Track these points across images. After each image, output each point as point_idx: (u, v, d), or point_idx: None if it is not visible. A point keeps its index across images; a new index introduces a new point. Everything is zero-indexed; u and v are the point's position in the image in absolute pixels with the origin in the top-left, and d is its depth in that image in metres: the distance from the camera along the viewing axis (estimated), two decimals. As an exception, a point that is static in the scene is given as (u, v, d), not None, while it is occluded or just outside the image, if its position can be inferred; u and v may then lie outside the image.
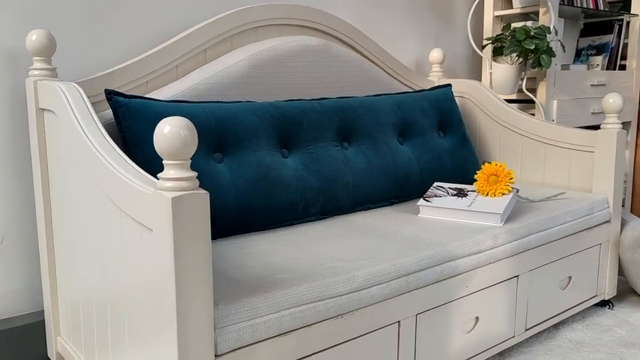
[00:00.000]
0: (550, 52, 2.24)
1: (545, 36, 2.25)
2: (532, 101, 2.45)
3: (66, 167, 1.33)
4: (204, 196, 0.94)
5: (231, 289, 1.08)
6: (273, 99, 1.78)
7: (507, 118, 2.17)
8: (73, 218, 1.33)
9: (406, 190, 1.83)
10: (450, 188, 1.74)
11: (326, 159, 1.66)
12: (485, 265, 1.48)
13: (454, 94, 2.32)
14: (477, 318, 1.51)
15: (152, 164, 1.39)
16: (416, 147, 1.91)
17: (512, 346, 1.69)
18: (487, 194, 1.66)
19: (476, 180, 1.84)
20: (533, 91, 2.50)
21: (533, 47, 2.21)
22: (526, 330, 1.66)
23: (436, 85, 2.27)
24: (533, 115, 2.47)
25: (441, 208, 1.64)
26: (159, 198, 0.93)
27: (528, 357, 1.64)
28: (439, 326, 1.40)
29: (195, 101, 1.54)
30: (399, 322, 1.31)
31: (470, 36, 2.39)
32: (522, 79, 2.41)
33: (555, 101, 2.48)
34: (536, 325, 1.69)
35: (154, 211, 0.95)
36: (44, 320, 1.57)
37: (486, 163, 1.70)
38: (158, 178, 0.94)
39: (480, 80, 2.59)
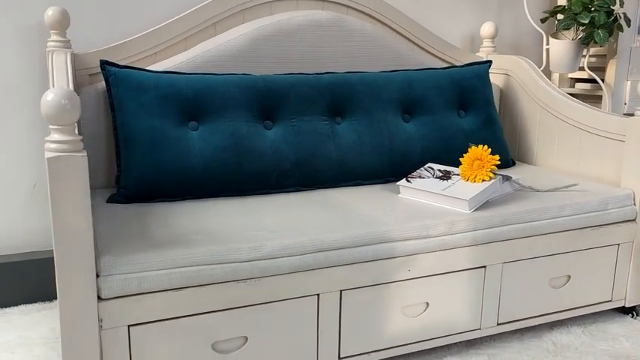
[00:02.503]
0: (609, 27, 1.99)
1: (609, 7, 2.01)
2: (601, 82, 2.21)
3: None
4: (80, 158, 1.07)
5: (130, 244, 1.21)
6: (276, 73, 1.84)
7: (547, 100, 1.99)
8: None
9: (404, 169, 1.80)
10: (439, 170, 1.68)
11: (308, 133, 1.70)
12: (436, 250, 1.44)
13: (498, 72, 2.18)
14: (427, 304, 1.47)
15: (126, 127, 1.55)
16: (422, 126, 1.85)
17: (482, 339, 1.62)
18: (468, 179, 1.58)
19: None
20: (602, 70, 2.24)
21: (587, 21, 1.99)
22: (498, 324, 1.58)
23: (480, 61, 2.15)
24: (600, 98, 2.23)
25: (419, 190, 1.60)
26: (46, 157, 1.08)
27: (494, 352, 1.56)
28: (370, 306, 1.40)
29: (185, 72, 1.66)
30: (317, 295, 1.34)
31: (526, 8, 2.21)
32: (584, 56, 2.18)
33: (629, 82, 2.21)
34: (513, 322, 1.59)
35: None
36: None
37: (472, 147, 1.62)
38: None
39: (542, 57, 2.37)
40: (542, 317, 1.64)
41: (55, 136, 1.07)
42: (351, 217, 1.44)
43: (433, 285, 1.47)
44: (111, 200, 1.52)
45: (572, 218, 1.60)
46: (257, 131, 1.65)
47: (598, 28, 1.99)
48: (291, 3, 1.93)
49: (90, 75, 1.71)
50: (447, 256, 1.46)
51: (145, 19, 1.87)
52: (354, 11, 2.02)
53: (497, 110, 2.20)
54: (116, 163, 1.60)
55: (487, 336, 1.62)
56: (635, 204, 1.69)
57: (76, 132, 1.10)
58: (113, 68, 1.60)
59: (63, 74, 1.48)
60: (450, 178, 1.62)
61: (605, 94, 2.20)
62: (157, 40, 1.78)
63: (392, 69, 2.00)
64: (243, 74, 1.71)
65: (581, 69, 2.23)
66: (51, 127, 1.08)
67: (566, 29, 2.06)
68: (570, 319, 1.73)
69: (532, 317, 1.62)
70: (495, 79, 2.22)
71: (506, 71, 2.17)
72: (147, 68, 1.71)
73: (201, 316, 1.24)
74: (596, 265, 1.68)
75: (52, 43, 1.67)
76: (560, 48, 2.16)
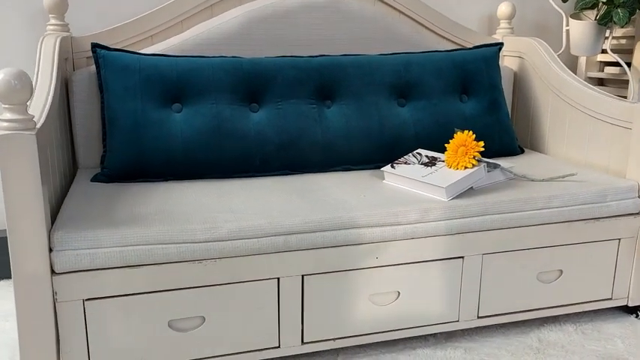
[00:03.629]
0: (631, 6, 1.85)
1: (632, -15, 1.86)
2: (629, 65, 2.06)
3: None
4: (29, 136, 1.10)
5: (87, 221, 1.24)
6: (267, 56, 1.83)
7: (558, 84, 1.88)
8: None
9: (396, 154, 1.75)
10: (426, 156, 1.63)
11: (294, 116, 1.68)
12: (406, 239, 1.39)
13: (513, 55, 2.08)
14: (398, 293, 1.44)
15: (111, 109, 1.58)
16: (418, 110, 1.80)
17: (463, 331, 1.56)
18: (451, 166, 1.52)
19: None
20: (629, 52, 2.09)
21: (605, 0, 1.86)
22: (479, 318, 1.51)
23: (490, 43, 2.05)
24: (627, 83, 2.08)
25: (401, 177, 1.56)
26: (-1, 135, 1.12)
27: (472, 345, 1.50)
28: (335, 292, 1.38)
29: (173, 55, 1.68)
30: (278, 279, 1.34)
31: (544, -13, 2.08)
32: (607, 38, 2.04)
33: (658, 66, 2.05)
34: (495, 315, 1.53)
35: None
36: None
37: (458, 132, 1.55)
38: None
39: (562, 40, 2.23)
40: (529, 312, 1.56)
41: (7, 115, 1.11)
42: (321, 201, 1.42)
43: (404, 274, 1.43)
44: (94, 179, 1.57)
45: (563, 210, 1.51)
46: (241, 114, 1.65)
47: (617, 7, 1.85)
48: (290, -15, 1.91)
49: (87, 57, 1.76)
50: (419, 244, 1.41)
51: (146, 1, 1.90)
52: (358, -8, 1.98)
53: (512, 95, 2.10)
54: (102, 144, 1.65)
55: (469, 329, 1.57)
56: (639, 196, 1.58)
57: (27, 111, 1.14)
58: (103, 51, 1.64)
59: (49, 58, 1.53)
60: (434, 164, 1.57)
61: (631, 78, 2.05)
62: (154, 23, 1.81)
63: (398, 51, 1.94)
64: (232, 57, 1.71)
65: (605, 51, 2.08)
66: (3, 106, 1.12)
67: (585, 8, 1.93)
68: (564, 316, 1.64)
69: (518, 312, 1.55)
70: (510, 62, 2.11)
71: (520, 54, 2.06)
72: (139, 51, 1.74)
73: (157, 294, 1.26)
74: (593, 261, 1.58)
75: (51, 27, 1.73)
76: (580, 29, 2.03)
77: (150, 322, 1.27)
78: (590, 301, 1.61)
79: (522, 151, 1.95)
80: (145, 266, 1.24)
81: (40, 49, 1.56)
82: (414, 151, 1.67)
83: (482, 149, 1.51)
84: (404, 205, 1.40)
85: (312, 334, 1.40)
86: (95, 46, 1.64)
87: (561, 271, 1.56)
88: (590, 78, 2.30)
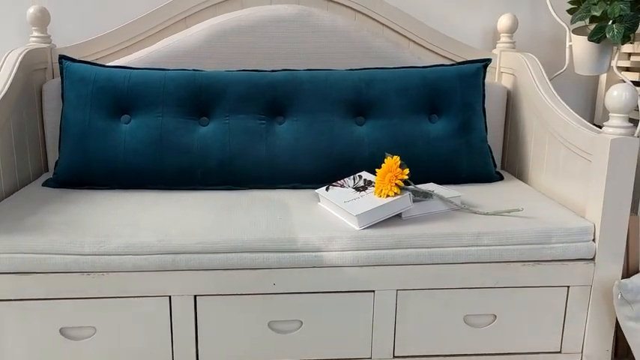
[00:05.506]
0: (630, 21, 1.63)
1: (635, -2, 1.64)
2: None
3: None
4: None
5: (-11, 227, 1.32)
6: (236, 69, 1.83)
7: (541, 107, 1.70)
8: (12, 154, 1.72)
9: (347, 174, 1.67)
10: (364, 180, 1.55)
11: (239, 131, 1.66)
12: (307, 267, 1.33)
13: (508, 72, 1.92)
14: (301, 322, 1.38)
15: (65, 118, 1.66)
16: (376, 130, 1.70)
17: (379, 370, 1.46)
18: (376, 193, 1.43)
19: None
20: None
21: (599, 14, 1.65)
22: (395, 357, 1.41)
23: (477, 59, 1.89)
24: None
25: (329, 201, 1.49)
26: None
27: (382, 387, 1.40)
28: (231, 315, 1.35)
29: (132, 67, 1.73)
30: (169, 297, 1.33)
31: (547, -3, 1.89)
32: (614, 55, 1.81)
33: (678, 88, 1.79)
34: (415, 357, 1.42)
35: None
36: None
37: (388, 157, 1.45)
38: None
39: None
40: (456, 357, 1.43)
41: None
42: (231, 222, 1.39)
43: (307, 303, 1.36)
44: (45, 184, 1.66)
45: (495, 249, 1.36)
46: (187, 127, 1.66)
47: (613, 22, 1.64)
48: (264, -3, 1.89)
49: (65, 67, 1.86)
50: (322, 274, 1.34)
51: (129, 13, 1.96)
52: (334, 4, 1.92)
53: (504, 116, 1.93)
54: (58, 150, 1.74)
55: (387, 367, 1.47)
56: (594, 240, 1.39)
57: None
58: (67, 62, 1.72)
59: (7, 70, 1.63)
60: (366, 189, 1.49)
61: (643, 101, 1.80)
62: (129, 35, 1.88)
63: (371, 66, 1.86)
64: (188, 70, 1.73)
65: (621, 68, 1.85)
66: None
67: (581, 20, 1.73)
68: (504, 365, 1.48)
69: (441, 355, 1.42)
70: (505, 80, 1.95)
71: (513, 71, 1.89)
72: (109, 63, 1.81)
73: (48, 301, 1.31)
74: (536, 308, 1.41)
75: (33, 39, 1.85)
76: (582, 45, 1.82)
77: (42, 327, 1.32)
78: (533, 353, 1.44)
79: (501, 178, 1.79)
80: (34, 274, 1.29)
81: (3, 62, 1.67)
82: (358, 174, 1.60)
83: (407, 177, 1.40)
84: (309, 231, 1.34)
85: (208, 356, 1.38)
86: (62, 58, 1.74)
87: (495, 316, 1.41)
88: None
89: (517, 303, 1.41)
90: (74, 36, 1.96)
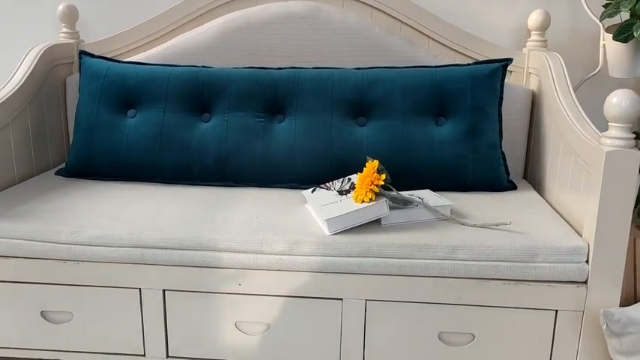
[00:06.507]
0: (663, 18, 1.45)
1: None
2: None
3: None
4: None
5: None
6: (244, 66, 1.83)
7: (556, 113, 1.56)
8: (34, 143, 1.83)
9: (345, 175, 1.63)
10: (352, 183, 1.50)
11: (236, 128, 1.66)
12: (272, 269, 1.31)
13: (534, 72, 1.78)
14: (268, 325, 1.36)
15: (77, 111, 1.74)
16: (377, 131, 1.64)
17: (350, 381, 1.41)
18: (354, 198, 1.38)
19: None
20: (688, 76, 1.65)
21: (628, 8, 1.49)
22: (364, 369, 1.36)
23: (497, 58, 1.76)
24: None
25: (311, 203, 1.46)
26: None
27: (348, 399, 1.35)
28: (200, 312, 1.36)
29: (145, 63, 1.78)
30: (139, 289, 1.36)
31: (581, -7, 1.73)
32: (652, 57, 1.62)
33: None
34: (385, 371, 1.36)
35: None
36: None
37: (369, 161, 1.39)
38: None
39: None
40: (430, 375, 1.35)
41: None
42: (206, 219, 1.39)
43: (273, 306, 1.34)
44: (57, 173, 1.75)
45: (471, 264, 1.27)
46: (187, 123, 1.68)
47: (641, 20, 1.47)
48: (279, -6, 1.88)
49: (91, 62, 1.95)
50: (288, 277, 1.32)
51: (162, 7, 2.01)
52: (350, 1, 1.87)
53: (529, 121, 1.79)
54: (73, 141, 1.83)
55: (361, 379, 1.41)
56: (587, 261, 1.25)
57: None
58: (86, 57, 1.80)
59: (27, 64, 1.73)
60: (348, 193, 1.44)
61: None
62: (148, 32, 1.94)
63: (385, 65, 1.79)
64: (195, 66, 1.74)
65: (653, 74, 1.66)
66: None
67: (610, 17, 1.56)
68: (484, 388, 1.38)
69: (413, 372, 1.35)
70: (532, 81, 1.81)
71: (538, 71, 1.75)
72: (126, 59, 1.88)
73: (29, 284, 1.38)
74: (519, 331, 1.30)
75: (62, 35, 1.95)
76: (616, 45, 1.64)
77: (24, 309, 1.39)
78: (516, 378, 1.33)
79: (513, 188, 1.66)
80: (15, 258, 1.36)
81: (25, 56, 1.77)
82: (349, 176, 1.55)
83: (383, 183, 1.34)
84: (275, 233, 1.32)
85: (178, 350, 1.40)
86: (82, 53, 1.82)
87: (473, 336, 1.32)
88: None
89: (497, 324, 1.30)
90: (107, 32, 2.04)
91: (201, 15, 1.92)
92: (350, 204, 1.36)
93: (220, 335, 1.37)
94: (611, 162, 1.19)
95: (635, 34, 1.47)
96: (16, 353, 1.43)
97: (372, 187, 1.33)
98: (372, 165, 1.37)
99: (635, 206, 1.83)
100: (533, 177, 1.76)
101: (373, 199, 1.33)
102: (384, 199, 1.34)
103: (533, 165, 1.77)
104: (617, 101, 1.19)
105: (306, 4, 1.81)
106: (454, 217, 1.39)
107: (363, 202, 1.34)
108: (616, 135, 1.20)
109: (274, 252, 1.31)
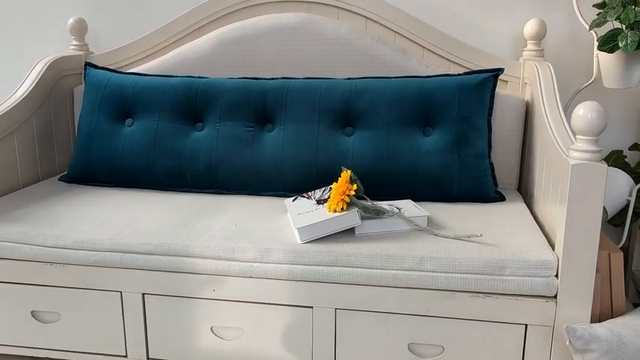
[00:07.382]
0: (647, 28, 1.42)
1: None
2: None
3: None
4: None
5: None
6: (239, 76, 1.87)
7: (541, 123, 1.54)
8: None
9: (329, 184, 1.65)
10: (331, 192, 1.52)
11: (227, 138, 1.71)
12: (244, 276, 1.34)
13: (527, 82, 1.76)
14: (242, 330, 1.39)
15: (79, 119, 1.82)
16: (363, 141, 1.66)
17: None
18: (327, 208, 1.40)
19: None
20: (684, 86, 1.60)
21: (614, 18, 1.46)
22: (335, 377, 1.37)
23: (487, 68, 1.75)
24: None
25: (290, 211, 1.49)
26: None
27: (319, 406, 1.37)
28: (176, 315, 1.40)
29: (140, 74, 1.85)
30: (120, 292, 1.42)
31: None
32: (645, 67, 1.59)
33: None
34: (356, 380, 1.37)
35: None
36: None
37: (343, 171, 1.41)
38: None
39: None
40: (400, 386, 1.35)
41: None
42: (186, 225, 1.44)
43: (246, 312, 1.37)
44: (61, 179, 1.83)
45: (438, 275, 1.27)
46: (180, 132, 1.74)
47: (628, 29, 1.43)
48: (277, 5, 1.92)
49: (98, 72, 2.04)
50: (259, 284, 1.35)
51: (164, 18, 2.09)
52: (344, 12, 1.89)
53: (523, 131, 1.77)
54: (76, 149, 1.91)
55: (334, 387, 1.43)
56: (557, 276, 1.24)
57: None
58: (89, 68, 1.89)
59: (34, 75, 1.83)
60: (324, 203, 1.46)
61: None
62: (151, 43, 2.01)
63: (375, 75, 1.81)
64: (190, 77, 1.80)
65: (649, 83, 1.62)
66: None
67: (597, 27, 1.53)
68: (456, 401, 1.37)
69: (384, 382, 1.36)
70: (528, 91, 1.79)
71: (530, 81, 1.73)
72: (128, 71, 1.95)
73: (20, 285, 1.46)
74: (489, 345, 1.29)
75: (72, 47, 2.05)
76: (606, 55, 1.61)
77: (15, 308, 1.47)
78: (486, 392, 1.32)
79: (502, 199, 1.65)
80: (6, 260, 1.44)
81: (34, 67, 1.86)
82: (330, 185, 1.57)
83: (354, 193, 1.35)
84: (249, 241, 1.35)
85: (158, 352, 1.44)
86: (87, 64, 1.90)
87: (443, 348, 1.32)
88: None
89: (467, 336, 1.30)
90: (118, 42, 2.12)
91: (200, 27, 1.98)
92: (323, 213, 1.38)
93: (197, 339, 1.41)
94: (577, 175, 1.18)
95: (620, 45, 1.44)
96: (9, 350, 1.51)
97: (343, 197, 1.35)
98: (345, 175, 1.39)
99: (635, 220, 1.78)
100: (525, 189, 1.74)
101: (345, 208, 1.35)
102: (356, 208, 1.36)
103: (526, 176, 1.74)
104: (583, 114, 1.17)
105: (300, 16, 1.84)
106: (429, 228, 1.40)
107: (335, 211, 1.36)
108: (582, 148, 1.18)
109: (246, 259, 1.34)
